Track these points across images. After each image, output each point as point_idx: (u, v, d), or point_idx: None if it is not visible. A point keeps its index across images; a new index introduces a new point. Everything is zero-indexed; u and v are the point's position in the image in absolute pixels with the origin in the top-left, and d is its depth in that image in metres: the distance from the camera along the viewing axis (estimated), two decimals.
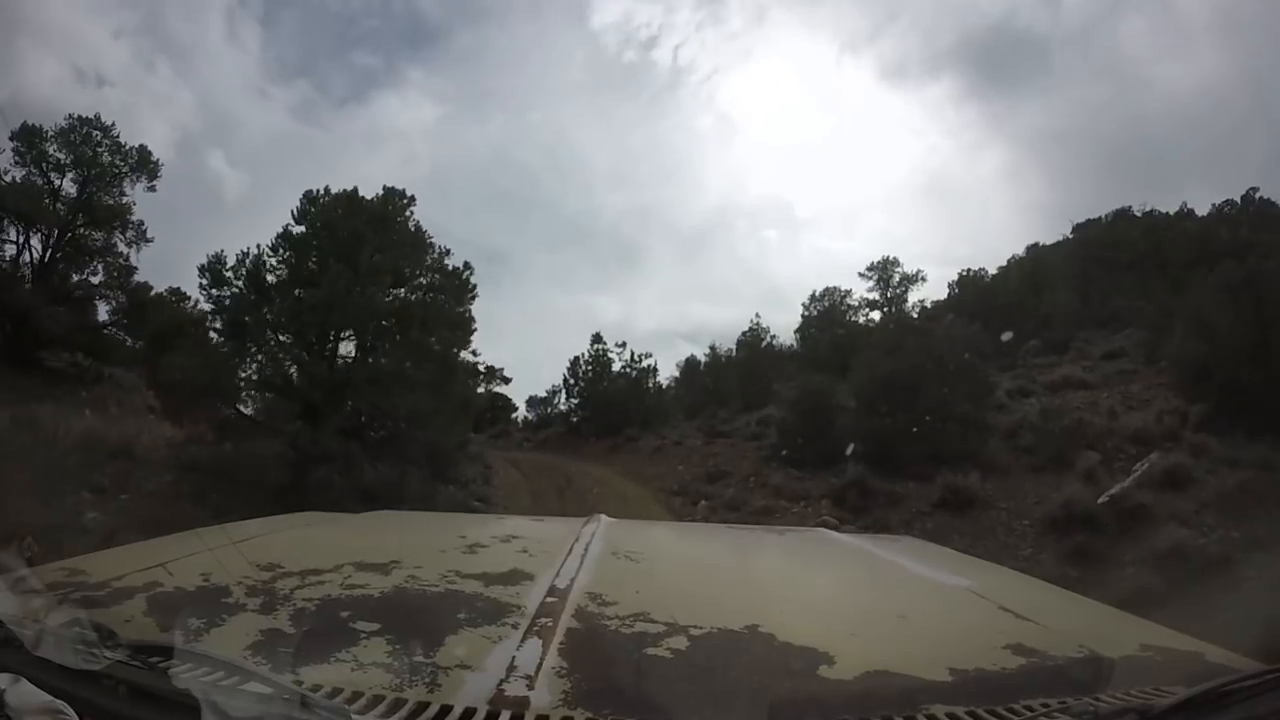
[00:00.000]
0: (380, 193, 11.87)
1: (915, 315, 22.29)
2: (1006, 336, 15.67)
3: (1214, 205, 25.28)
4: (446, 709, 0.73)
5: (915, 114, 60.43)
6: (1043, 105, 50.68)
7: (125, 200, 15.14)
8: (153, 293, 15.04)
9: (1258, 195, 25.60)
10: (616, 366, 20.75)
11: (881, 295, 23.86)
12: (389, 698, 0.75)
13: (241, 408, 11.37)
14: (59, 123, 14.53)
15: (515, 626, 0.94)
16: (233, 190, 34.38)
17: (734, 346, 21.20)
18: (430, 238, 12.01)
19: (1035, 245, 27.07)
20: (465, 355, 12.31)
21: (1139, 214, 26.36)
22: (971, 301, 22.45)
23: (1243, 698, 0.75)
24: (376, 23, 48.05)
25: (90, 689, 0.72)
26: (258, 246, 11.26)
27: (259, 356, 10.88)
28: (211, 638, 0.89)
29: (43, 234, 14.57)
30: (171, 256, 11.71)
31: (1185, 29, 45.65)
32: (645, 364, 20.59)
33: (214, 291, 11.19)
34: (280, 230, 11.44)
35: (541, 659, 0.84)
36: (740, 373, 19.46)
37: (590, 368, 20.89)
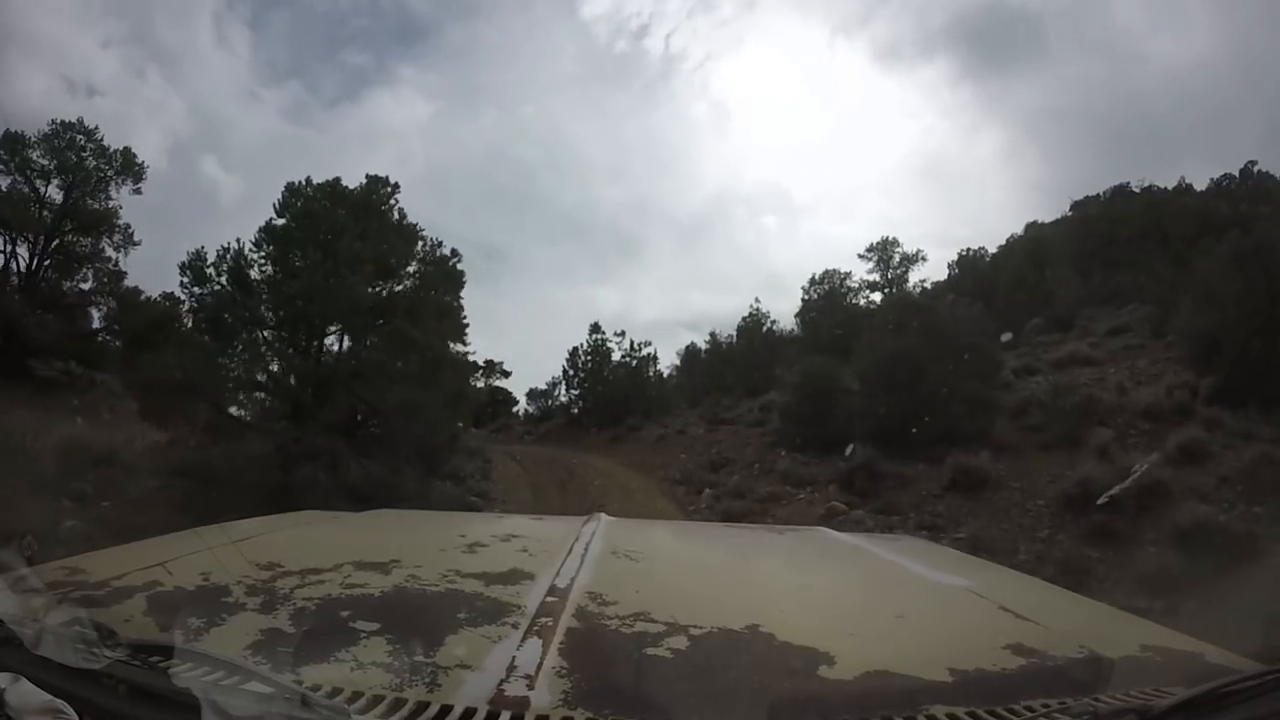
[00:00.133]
0: (363, 181, 11.39)
1: (916, 296, 21.80)
2: (1006, 337, 15.32)
3: (1212, 180, 24.94)
4: (446, 709, 0.73)
5: (910, 96, 59.98)
6: (1038, 83, 50.19)
7: (112, 204, 14.74)
8: (143, 297, 14.60)
9: (1256, 169, 25.14)
10: (616, 356, 20.43)
11: (882, 276, 23.55)
12: (389, 697, 0.74)
13: (225, 408, 10.98)
14: (42, 129, 14.07)
15: (515, 626, 0.93)
16: (227, 195, 34.03)
17: (734, 334, 20.79)
18: (421, 230, 11.58)
19: (1034, 224, 26.70)
20: (458, 347, 11.90)
21: (1137, 190, 25.99)
22: (972, 281, 22.07)
23: (1243, 698, 0.74)
24: (366, 21, 47.43)
25: (90, 688, 0.72)
26: (238, 241, 10.82)
27: (242, 354, 10.45)
28: (211, 637, 0.88)
29: (29, 241, 14.14)
30: (168, 263, 11.46)
31: (1178, 2, 44.89)
32: (645, 353, 20.24)
33: (195, 290, 10.78)
34: (263, 224, 11.01)
35: (542, 659, 0.83)
36: (742, 359, 19.19)
37: (589, 358, 20.55)
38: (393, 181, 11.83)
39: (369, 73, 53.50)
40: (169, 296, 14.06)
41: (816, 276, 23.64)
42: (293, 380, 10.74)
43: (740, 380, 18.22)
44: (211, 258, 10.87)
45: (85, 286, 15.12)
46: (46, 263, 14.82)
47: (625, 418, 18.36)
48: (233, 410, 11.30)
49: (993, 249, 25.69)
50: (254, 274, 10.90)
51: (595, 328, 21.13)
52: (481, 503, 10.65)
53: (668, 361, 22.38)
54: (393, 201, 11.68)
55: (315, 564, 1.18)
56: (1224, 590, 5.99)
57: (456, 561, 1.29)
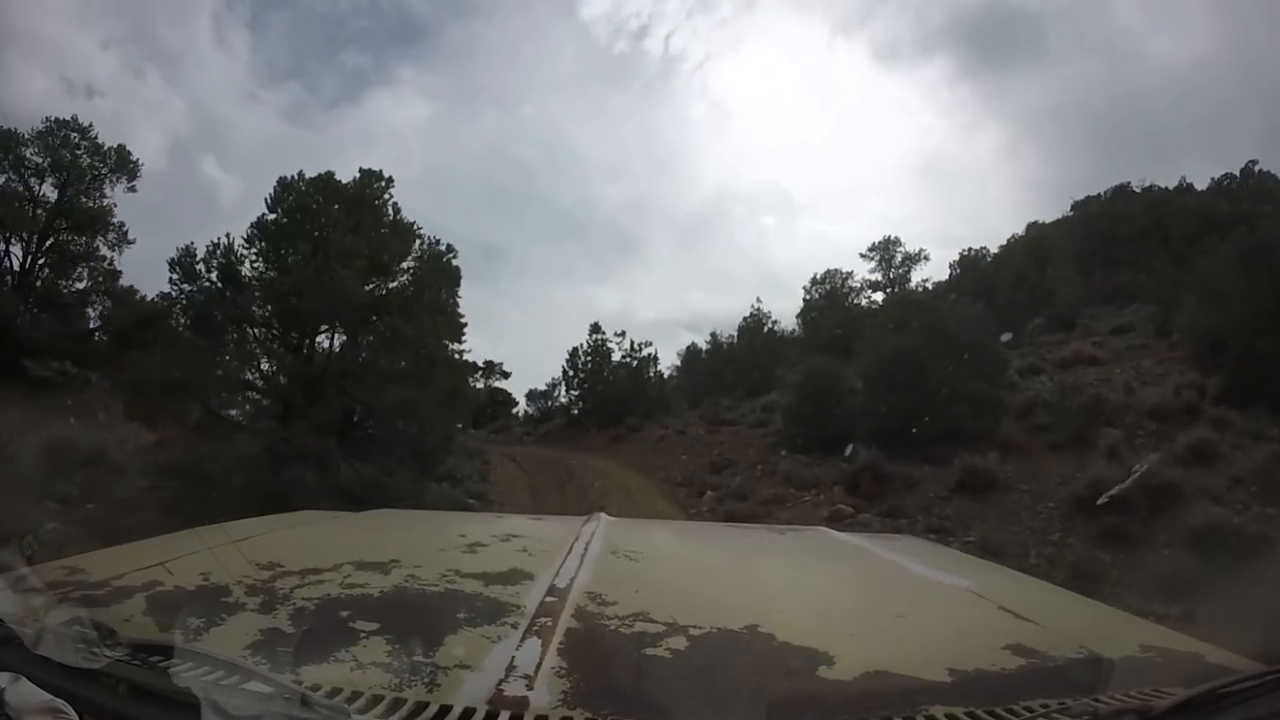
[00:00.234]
0: (357, 176, 11.18)
1: (920, 294, 21.56)
2: (1006, 337, 15.12)
3: (1213, 179, 24.85)
4: (446, 709, 0.72)
5: (910, 95, 59.90)
6: (1037, 82, 50.15)
7: (106, 202, 14.55)
8: (138, 296, 14.39)
9: (1257, 168, 25.02)
10: (616, 356, 20.23)
11: (884, 276, 23.36)
12: (388, 697, 0.74)
13: (214, 407, 10.75)
14: (36, 126, 13.86)
15: (515, 626, 0.93)
16: (227, 195, 33.80)
17: (735, 334, 20.59)
18: (419, 229, 11.36)
19: (1035, 223, 26.55)
20: (455, 346, 11.67)
21: (1138, 189, 25.83)
22: (973, 281, 21.88)
23: (1242, 699, 0.74)
24: (365, 22, 47.28)
25: (90, 688, 0.72)
26: (228, 236, 10.60)
27: (232, 352, 10.21)
28: (211, 637, 0.88)
29: (23, 240, 13.91)
30: (166, 264, 11.33)
31: (1178, 1, 44.85)
32: (645, 353, 20.03)
33: (185, 286, 10.56)
34: (255, 219, 10.80)
35: (541, 659, 0.83)
36: (743, 359, 18.96)
37: (589, 359, 20.33)
38: (386, 176, 11.61)
39: (368, 73, 53.33)
40: (166, 296, 13.84)
41: (818, 276, 23.46)
42: (282, 379, 10.51)
43: (741, 381, 18.05)
44: (194, 250, 10.65)
45: (80, 286, 14.88)
46: (41, 261, 14.58)
47: (625, 418, 18.17)
48: (223, 410, 11.08)
49: (993, 249, 25.53)
50: (245, 270, 10.73)
51: (595, 328, 20.97)
52: (478, 505, 10.43)
53: (668, 362, 22.19)
54: (387, 196, 11.50)
55: (315, 564, 1.18)
56: (1242, 594, 5.79)
57: (456, 561, 1.29)
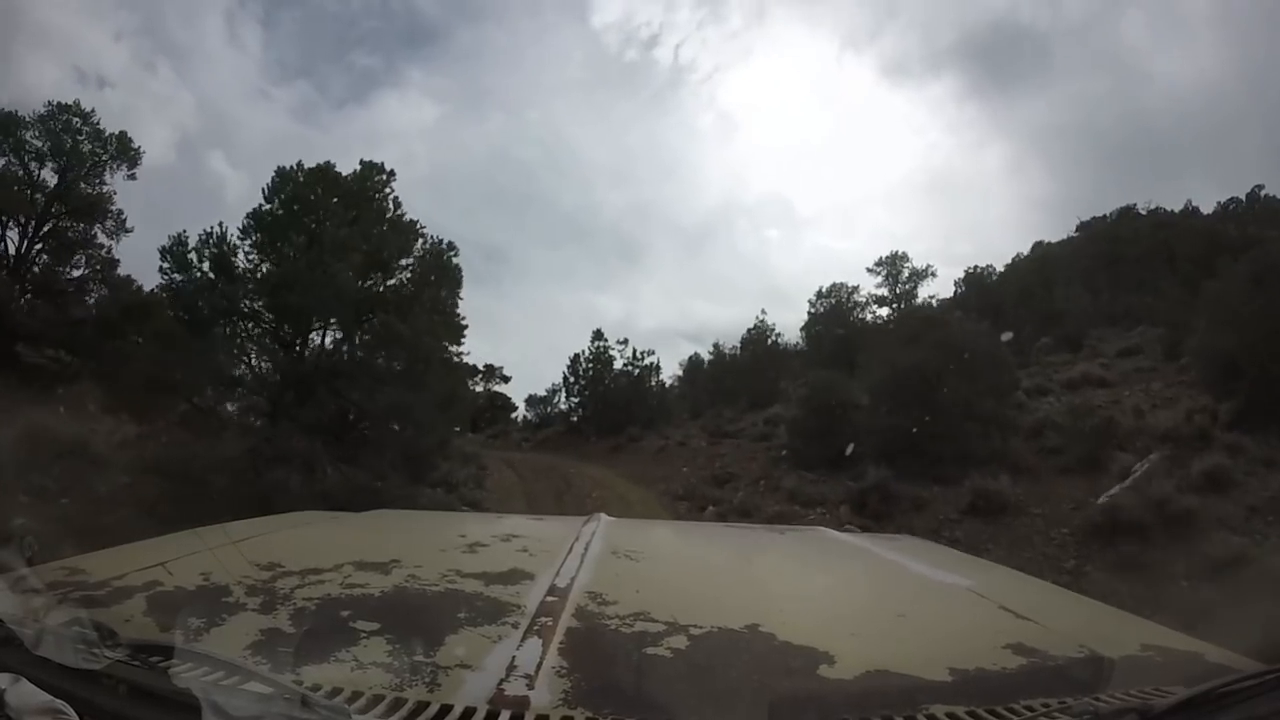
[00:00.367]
0: (357, 168, 10.94)
1: (930, 309, 21.37)
2: (1006, 336, 14.94)
3: (1219, 203, 24.94)
4: (446, 708, 0.73)
5: (917, 111, 60.32)
6: (1044, 101, 50.39)
7: (106, 189, 14.31)
8: (135, 286, 14.11)
9: (1263, 193, 25.07)
10: (618, 364, 20.04)
11: (890, 291, 23.09)
12: (389, 697, 0.74)
13: (200, 402, 10.43)
14: (37, 110, 13.63)
15: (515, 626, 0.94)
16: (233, 191, 33.64)
17: (738, 345, 20.39)
18: (422, 227, 11.10)
19: (1041, 243, 26.50)
20: (454, 347, 11.37)
21: (1144, 211, 25.82)
22: (979, 299, 21.75)
23: (1243, 698, 0.75)
24: (376, 23, 47.47)
25: (90, 688, 0.72)
26: (220, 225, 10.34)
27: (221, 346, 9.87)
28: (211, 637, 0.88)
29: (20, 225, 13.62)
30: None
31: (1185, 23, 45.27)
32: (648, 361, 19.78)
33: (175, 276, 10.25)
34: (251, 210, 10.57)
35: (541, 658, 0.83)
36: (746, 371, 18.67)
37: (591, 365, 20.13)
38: (388, 169, 11.37)
39: (377, 74, 53.38)
40: (166, 287, 13.57)
41: (824, 289, 23.26)
42: (271, 376, 10.16)
43: (744, 392, 17.82)
44: (186, 238, 10.37)
45: (75, 274, 14.58)
46: (39, 246, 14.29)
47: (626, 427, 17.95)
48: (208, 406, 10.76)
49: (998, 267, 25.43)
50: (240, 262, 10.45)
51: (598, 334, 20.81)
52: (473, 512, 10.12)
53: (669, 371, 21.93)
54: (388, 190, 11.23)
55: (315, 564, 1.19)
56: (1272, 630, 5.53)
57: (456, 561, 1.29)
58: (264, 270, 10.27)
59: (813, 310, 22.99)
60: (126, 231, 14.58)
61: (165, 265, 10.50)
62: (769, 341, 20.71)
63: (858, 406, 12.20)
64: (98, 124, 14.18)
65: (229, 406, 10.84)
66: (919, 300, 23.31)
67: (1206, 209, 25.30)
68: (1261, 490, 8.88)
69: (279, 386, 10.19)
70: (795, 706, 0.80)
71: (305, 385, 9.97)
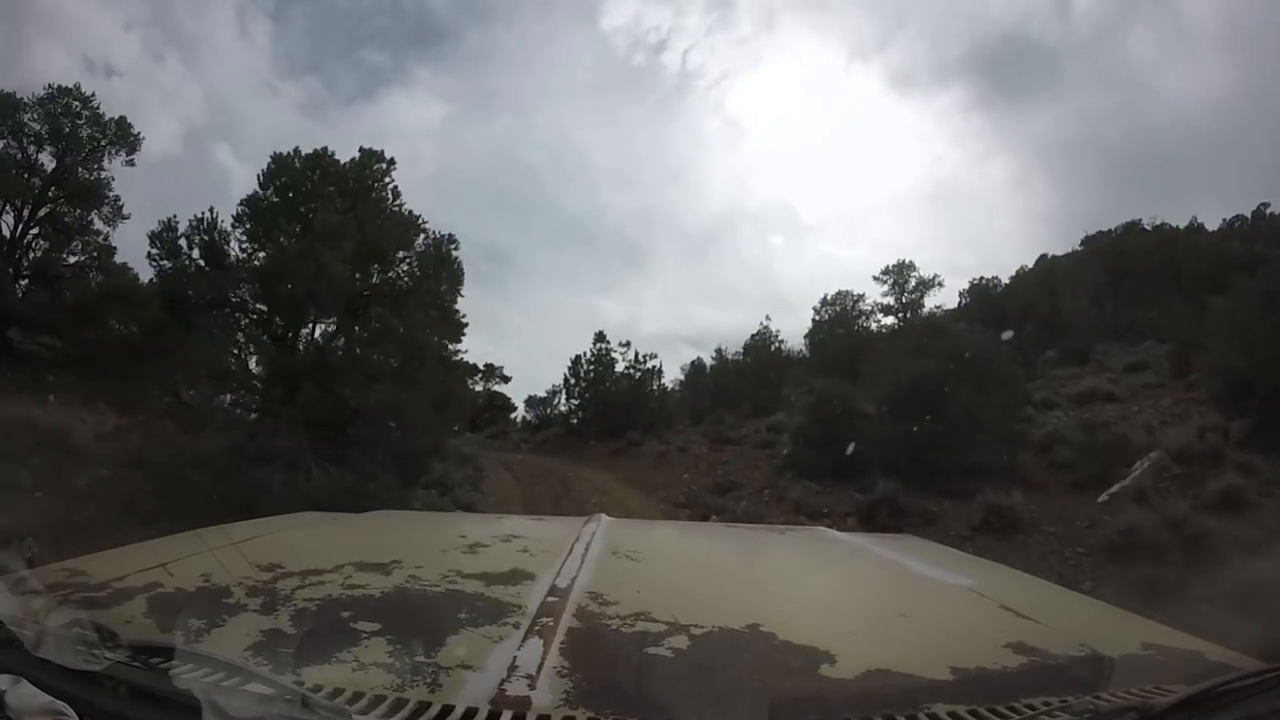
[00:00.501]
0: (355, 156, 10.69)
1: (940, 319, 21.22)
2: (1007, 335, 14.77)
3: (1224, 220, 24.84)
4: (448, 709, 0.73)
5: (923, 122, 60.44)
6: (1050, 115, 50.42)
7: (104, 175, 14.06)
8: (132, 274, 13.82)
9: (1269, 211, 25.06)
10: (620, 367, 19.77)
11: (897, 300, 22.90)
12: (390, 698, 0.74)
13: (181, 394, 10.08)
14: (36, 92, 13.36)
15: (516, 626, 0.94)
16: (239, 185, 33.37)
17: (742, 351, 20.17)
18: (424, 222, 10.82)
19: (1045, 256, 26.42)
20: (452, 346, 11.06)
21: (1149, 227, 25.74)
22: (984, 310, 21.60)
23: (1243, 696, 0.75)
24: (386, 20, 47.23)
25: (91, 690, 0.72)
26: (211, 211, 10.03)
27: (206, 336, 9.48)
28: (212, 638, 0.89)
29: (15, 208, 13.33)
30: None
31: (1192, 40, 45.46)
32: (650, 365, 19.52)
33: (164, 264, 9.95)
34: (245, 196, 10.33)
35: (543, 658, 0.83)
36: (749, 377, 18.43)
37: (592, 367, 19.85)
38: (388, 157, 11.09)
39: (386, 72, 53.38)
40: (159, 275, 13.27)
41: (829, 297, 23.08)
42: (255, 368, 9.83)
43: (747, 399, 17.61)
44: (176, 223, 10.08)
45: (71, 260, 14.28)
46: (35, 231, 14.00)
47: (626, 431, 17.72)
48: (192, 398, 10.40)
49: (1003, 279, 25.29)
50: (233, 250, 10.11)
51: (600, 336, 20.58)
52: None
53: (670, 376, 21.70)
54: (387, 180, 10.95)
55: (316, 565, 1.19)
56: None
57: (457, 562, 1.29)
58: (258, 259, 9.93)
59: (817, 317, 22.87)
60: (124, 218, 14.39)
61: (154, 252, 10.20)
62: (772, 348, 20.52)
63: (864, 416, 11.98)
64: (97, 108, 13.97)
65: (218, 399, 10.48)
66: (925, 310, 23.22)
67: (1211, 226, 25.27)
68: (1278, 512, 8.68)
69: (267, 381, 9.88)
70: (796, 706, 0.80)
71: (294, 380, 9.65)
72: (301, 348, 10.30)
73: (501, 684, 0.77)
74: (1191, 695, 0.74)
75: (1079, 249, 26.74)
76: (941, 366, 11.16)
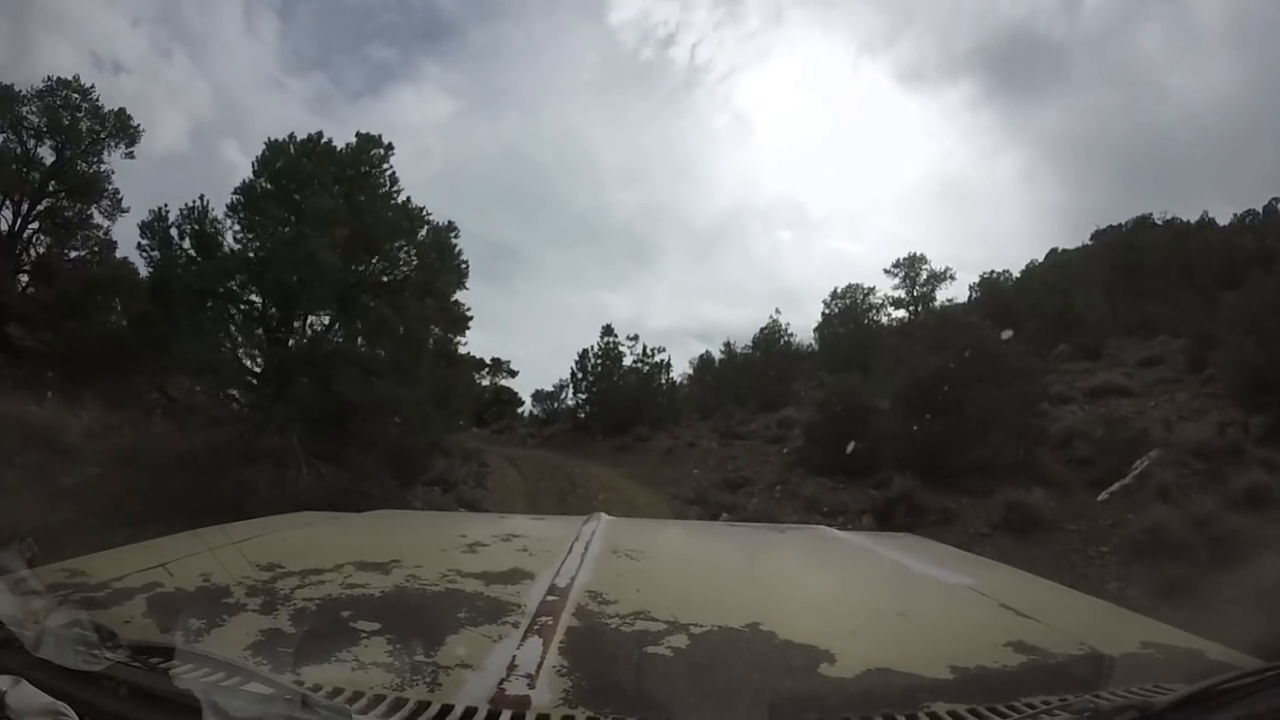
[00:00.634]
0: (352, 141, 10.51)
1: (956, 312, 20.93)
2: (1006, 334, 14.57)
3: (1235, 215, 24.56)
4: (447, 708, 0.73)
5: (931, 117, 59.86)
6: (1058, 111, 49.90)
7: (103, 168, 13.83)
8: (131, 268, 13.64)
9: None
10: (628, 361, 19.55)
11: (908, 293, 22.62)
12: (390, 697, 0.75)
13: (168, 390, 9.89)
14: (35, 85, 13.16)
15: (516, 625, 0.95)
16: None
17: (751, 345, 19.99)
18: (428, 213, 10.57)
19: (1055, 251, 26.09)
20: (456, 338, 10.84)
21: (1159, 222, 25.43)
22: (994, 304, 21.35)
23: (1243, 695, 0.76)
24: (393, 16, 46.88)
25: (91, 690, 0.73)
26: (202, 199, 9.82)
27: (192, 328, 9.21)
28: (212, 638, 0.89)
29: (13, 202, 13.14)
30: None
31: (1201, 37, 44.95)
32: (658, 359, 19.33)
33: (154, 254, 9.72)
34: (239, 184, 10.16)
35: (542, 658, 0.84)
36: (758, 371, 18.24)
37: (600, 361, 19.66)
38: (386, 143, 10.80)
39: (393, 68, 52.85)
40: (153, 267, 13.06)
41: (839, 290, 22.81)
42: (244, 362, 9.59)
43: (756, 393, 17.42)
44: (166, 212, 9.85)
45: (71, 254, 14.10)
46: (34, 225, 13.81)
47: (633, 426, 17.58)
48: (187, 395, 10.20)
49: (1013, 273, 25.00)
50: (226, 239, 9.93)
51: (608, 330, 20.32)
52: None
53: (678, 371, 21.51)
54: (385, 167, 10.65)
55: (316, 564, 1.19)
56: None
57: (457, 561, 1.29)
58: (252, 249, 9.72)
59: (827, 311, 22.64)
60: (123, 212, 14.21)
61: (144, 242, 10.00)
62: (781, 342, 20.31)
63: (876, 411, 11.79)
64: (97, 100, 13.78)
65: (207, 395, 10.26)
66: (936, 303, 22.95)
67: (1223, 221, 24.96)
68: None
69: (259, 375, 9.70)
70: (796, 705, 0.80)
71: (287, 375, 9.45)
72: (294, 341, 10.09)
73: (501, 683, 0.77)
74: (1192, 694, 0.75)
75: (1089, 244, 26.48)
76: (957, 360, 10.96)
